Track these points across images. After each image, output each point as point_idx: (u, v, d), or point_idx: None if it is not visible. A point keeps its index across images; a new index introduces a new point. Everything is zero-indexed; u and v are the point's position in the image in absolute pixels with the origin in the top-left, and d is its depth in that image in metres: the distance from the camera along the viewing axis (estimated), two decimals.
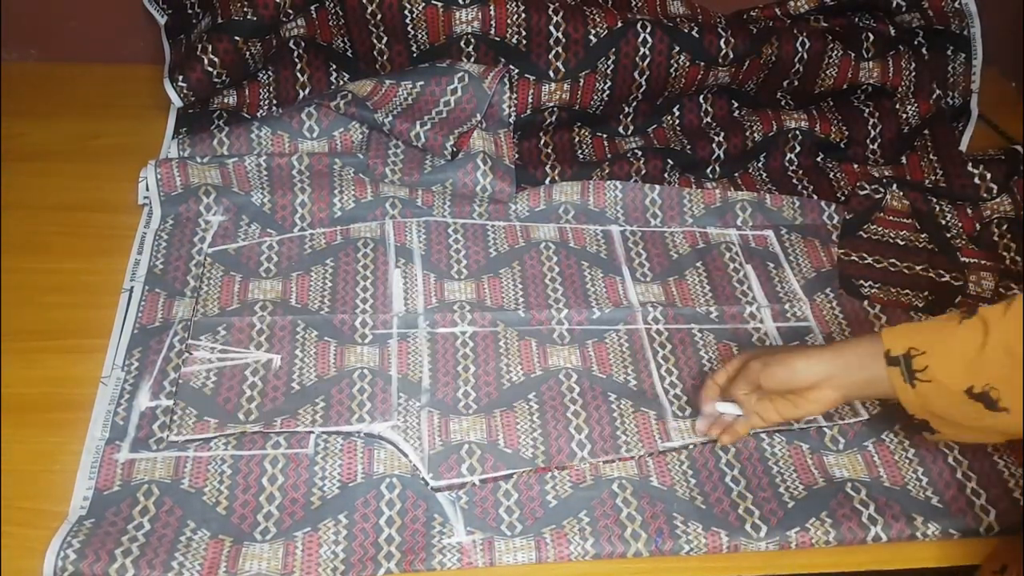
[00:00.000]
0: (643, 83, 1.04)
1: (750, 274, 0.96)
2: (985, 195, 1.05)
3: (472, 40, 1.00)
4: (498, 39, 1.00)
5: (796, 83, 1.10)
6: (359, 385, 0.80)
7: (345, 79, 1.06)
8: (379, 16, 0.98)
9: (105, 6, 1.10)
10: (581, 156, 1.08)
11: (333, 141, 0.99)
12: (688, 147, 1.06)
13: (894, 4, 1.12)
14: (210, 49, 0.94)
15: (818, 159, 1.12)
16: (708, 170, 1.07)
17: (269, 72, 1.06)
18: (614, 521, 0.72)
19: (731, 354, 0.87)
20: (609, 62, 1.01)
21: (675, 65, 1.02)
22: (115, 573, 0.66)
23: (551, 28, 0.99)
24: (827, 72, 1.10)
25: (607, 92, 1.04)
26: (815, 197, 1.05)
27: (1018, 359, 0.61)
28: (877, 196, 1.03)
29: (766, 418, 0.73)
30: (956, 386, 0.64)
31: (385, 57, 1.03)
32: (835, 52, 1.09)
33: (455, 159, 0.97)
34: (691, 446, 0.78)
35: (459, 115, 0.99)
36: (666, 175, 1.03)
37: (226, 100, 1.04)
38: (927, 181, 1.09)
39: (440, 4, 0.97)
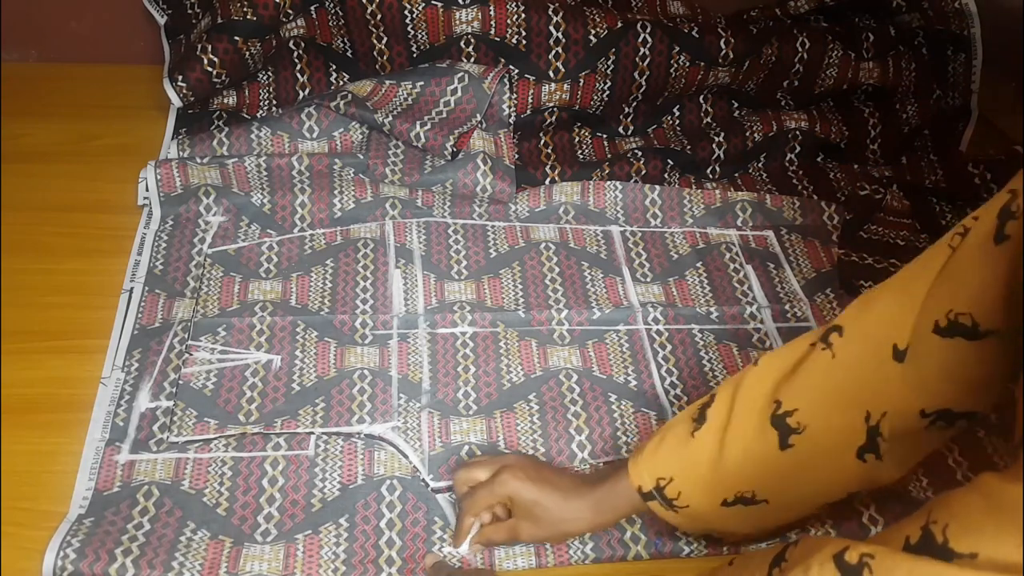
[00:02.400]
0: (643, 83, 1.04)
1: (750, 274, 0.96)
2: (985, 195, 1.05)
3: (472, 40, 1.00)
4: (498, 39, 1.00)
5: (796, 83, 1.10)
6: (359, 386, 0.80)
7: (345, 79, 1.06)
8: (379, 16, 0.98)
9: (105, 6, 1.10)
10: (581, 156, 1.08)
11: (333, 141, 0.99)
12: (688, 147, 1.06)
13: (894, 4, 1.12)
14: (210, 49, 0.94)
15: (818, 159, 1.12)
16: (708, 170, 1.07)
17: (269, 72, 1.06)
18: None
19: (732, 355, 0.87)
20: (609, 62, 1.01)
21: (675, 65, 1.02)
22: (115, 573, 0.66)
23: (551, 28, 0.99)
24: (827, 72, 1.10)
25: (607, 92, 1.04)
26: (815, 197, 1.05)
27: (757, 459, 0.61)
28: (877, 196, 1.03)
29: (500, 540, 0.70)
30: (711, 504, 0.64)
31: (385, 57, 1.03)
32: (835, 52, 1.09)
33: (455, 159, 0.97)
34: None
35: (459, 115, 0.99)
36: (666, 175, 1.03)
37: (226, 100, 1.04)
38: (927, 181, 1.10)
39: (440, 4, 0.97)
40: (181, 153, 0.99)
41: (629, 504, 0.67)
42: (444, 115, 0.99)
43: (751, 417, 0.62)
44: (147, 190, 0.94)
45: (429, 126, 0.97)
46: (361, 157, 0.98)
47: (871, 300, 0.62)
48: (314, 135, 0.99)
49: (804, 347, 0.62)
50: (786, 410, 0.60)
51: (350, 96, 0.98)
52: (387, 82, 1.00)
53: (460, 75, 0.99)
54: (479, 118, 0.99)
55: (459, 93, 0.99)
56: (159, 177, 0.94)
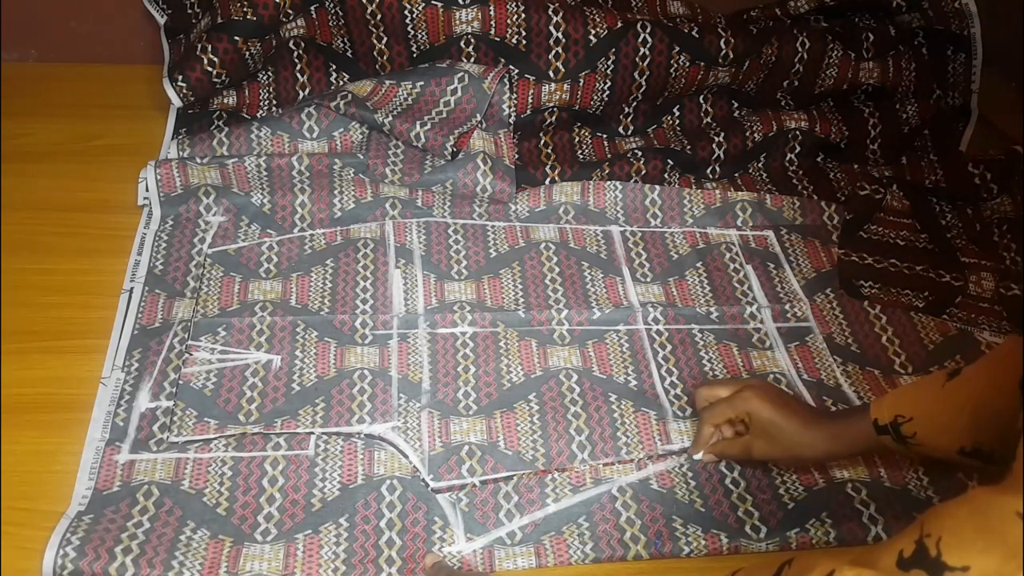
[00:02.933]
0: (643, 83, 1.04)
1: (750, 274, 0.96)
2: (985, 195, 1.05)
3: (472, 40, 1.00)
4: (498, 39, 1.00)
5: (796, 83, 1.10)
6: (359, 386, 0.80)
7: (345, 79, 1.06)
8: (379, 16, 0.98)
9: (105, 6, 1.10)
10: (581, 156, 1.08)
11: (333, 141, 0.99)
12: (688, 147, 1.06)
13: (894, 4, 1.12)
14: (210, 49, 0.94)
15: (818, 159, 1.12)
16: (708, 170, 1.07)
17: (269, 72, 1.06)
18: (613, 525, 0.72)
19: (732, 355, 0.87)
20: (609, 62, 1.01)
21: (675, 65, 1.02)
22: (115, 572, 0.66)
23: (551, 28, 0.99)
24: (827, 72, 1.10)
25: (607, 92, 1.04)
26: (815, 197, 1.05)
27: (1006, 414, 0.60)
28: (877, 196, 1.03)
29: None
30: (946, 449, 0.66)
31: (385, 57, 1.03)
32: (835, 52, 1.09)
33: (455, 159, 0.97)
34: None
35: (459, 115, 0.99)
36: (666, 175, 1.03)
37: (226, 100, 1.04)
38: (927, 181, 1.10)
39: (440, 4, 0.97)
40: (181, 153, 0.99)
41: (864, 438, 0.70)
42: (444, 115, 0.99)
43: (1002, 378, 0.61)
44: (147, 190, 0.94)
45: (429, 126, 0.97)
46: (361, 157, 0.97)
47: None
48: (314, 135, 0.99)
49: None
50: None
51: (350, 96, 0.98)
52: (387, 82, 1.00)
53: (460, 75, 0.99)
54: (479, 118, 0.99)
55: (459, 93, 0.99)
56: (159, 177, 0.94)
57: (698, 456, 0.77)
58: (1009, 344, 0.64)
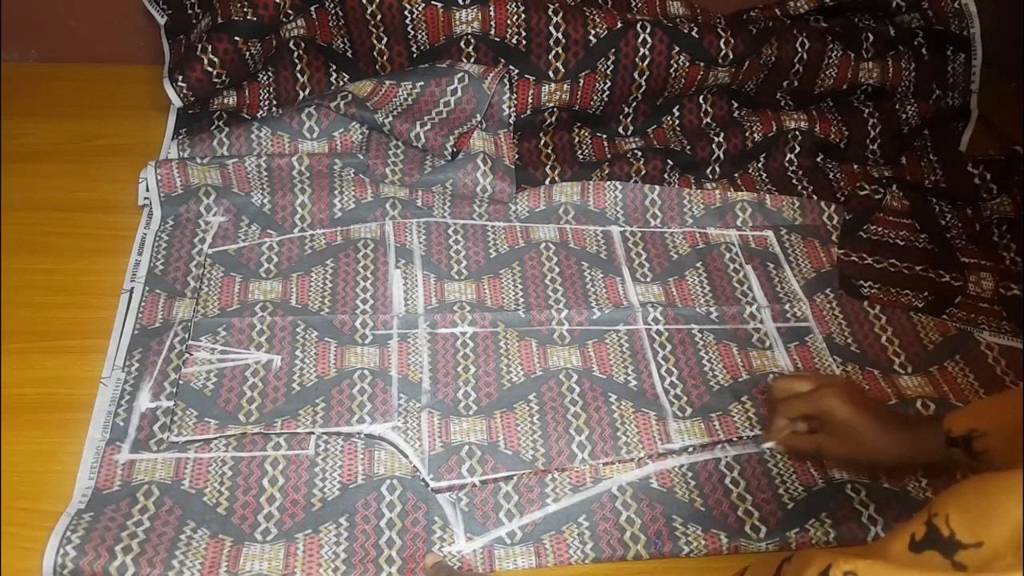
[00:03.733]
0: (643, 83, 1.04)
1: (750, 274, 0.96)
2: (985, 195, 1.05)
3: (472, 40, 1.00)
4: (498, 39, 1.00)
5: (796, 83, 1.10)
6: (359, 386, 0.80)
7: (345, 79, 1.06)
8: (379, 16, 0.98)
9: (105, 6, 1.10)
10: (581, 156, 1.08)
11: (333, 142, 0.99)
12: (688, 147, 1.06)
13: (894, 4, 1.12)
14: (210, 49, 0.94)
15: (818, 159, 1.12)
16: (708, 170, 1.07)
17: (269, 72, 1.06)
18: (613, 524, 0.72)
19: (731, 355, 0.87)
20: (609, 62, 1.01)
21: (675, 66, 1.02)
22: (115, 571, 0.66)
23: (551, 29, 0.99)
24: (827, 72, 1.10)
25: (607, 92, 1.04)
26: (815, 197, 1.05)
27: None
28: (877, 196, 1.03)
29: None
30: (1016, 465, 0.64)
31: (385, 57, 1.03)
32: (835, 52, 1.09)
33: (455, 159, 0.97)
34: (690, 448, 0.78)
35: (459, 115, 0.99)
36: (666, 175, 1.03)
37: (226, 101, 1.04)
38: (927, 181, 1.10)
39: (440, 4, 0.97)
40: (181, 153, 0.99)
41: (936, 448, 0.69)
42: (444, 115, 0.99)
43: None
44: (147, 190, 0.94)
45: (429, 126, 0.97)
46: (361, 157, 0.98)
47: None
48: (314, 135, 0.99)
49: None
50: None
51: (350, 96, 0.98)
52: (387, 82, 1.00)
53: (460, 75, 0.99)
54: (479, 118, 0.99)
55: (459, 93, 0.99)
56: (159, 177, 0.94)
57: (768, 445, 0.77)
58: None
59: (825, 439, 0.73)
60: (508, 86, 1.02)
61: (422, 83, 1.00)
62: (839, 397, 0.72)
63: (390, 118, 0.98)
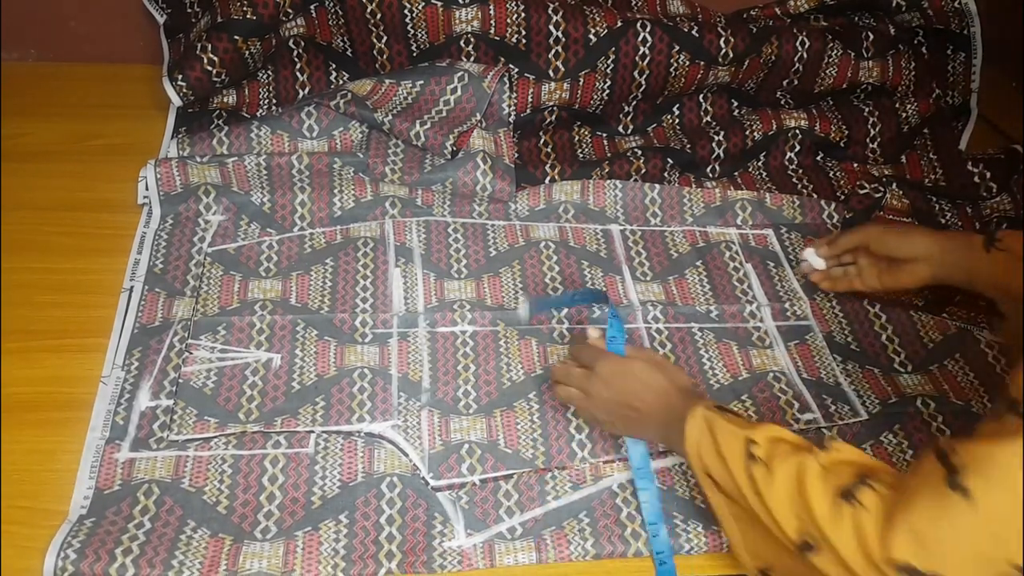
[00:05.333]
0: (643, 82, 1.04)
1: (750, 273, 0.96)
2: (985, 194, 1.05)
3: (472, 39, 1.00)
4: (498, 38, 1.00)
5: (796, 82, 1.10)
6: (359, 384, 0.80)
7: (345, 78, 1.06)
8: (379, 15, 0.98)
9: (104, 5, 1.09)
10: (581, 155, 1.08)
11: (333, 140, 0.99)
12: (688, 146, 1.06)
13: (894, 4, 1.12)
14: (209, 48, 0.94)
15: (818, 158, 1.12)
16: (708, 169, 1.07)
17: (269, 71, 1.05)
18: (614, 521, 0.72)
19: (731, 353, 0.87)
20: (609, 61, 1.01)
21: (675, 64, 1.02)
22: (115, 572, 0.66)
23: (551, 27, 0.99)
24: (827, 71, 1.10)
25: (607, 91, 1.04)
26: (815, 196, 1.05)
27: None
28: (877, 195, 1.03)
29: (866, 281, 0.86)
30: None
31: (385, 56, 1.03)
32: (835, 51, 1.09)
33: (455, 158, 0.97)
34: None
35: (459, 114, 0.99)
36: (666, 174, 1.03)
37: (226, 100, 1.04)
38: (927, 180, 1.10)
39: (440, 3, 0.97)
40: (181, 152, 0.99)
41: (967, 250, 0.79)
42: (444, 114, 0.99)
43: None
44: (147, 189, 0.94)
45: (429, 125, 0.97)
46: (361, 156, 0.97)
47: None
48: (314, 134, 0.99)
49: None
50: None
51: (350, 95, 0.98)
52: (387, 81, 1.00)
53: (460, 74, 0.99)
54: (479, 117, 0.99)
55: (459, 92, 0.99)
56: (159, 176, 0.94)
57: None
58: None
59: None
60: (508, 85, 1.02)
61: (422, 82, 1.00)
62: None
63: (390, 117, 0.98)
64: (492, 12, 0.98)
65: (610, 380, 0.72)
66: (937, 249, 0.81)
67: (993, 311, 0.83)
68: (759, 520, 0.60)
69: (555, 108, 1.05)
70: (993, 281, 0.77)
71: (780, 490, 0.57)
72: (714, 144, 1.06)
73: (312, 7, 1.01)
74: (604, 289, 0.92)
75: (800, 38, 1.07)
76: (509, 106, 1.02)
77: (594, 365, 0.72)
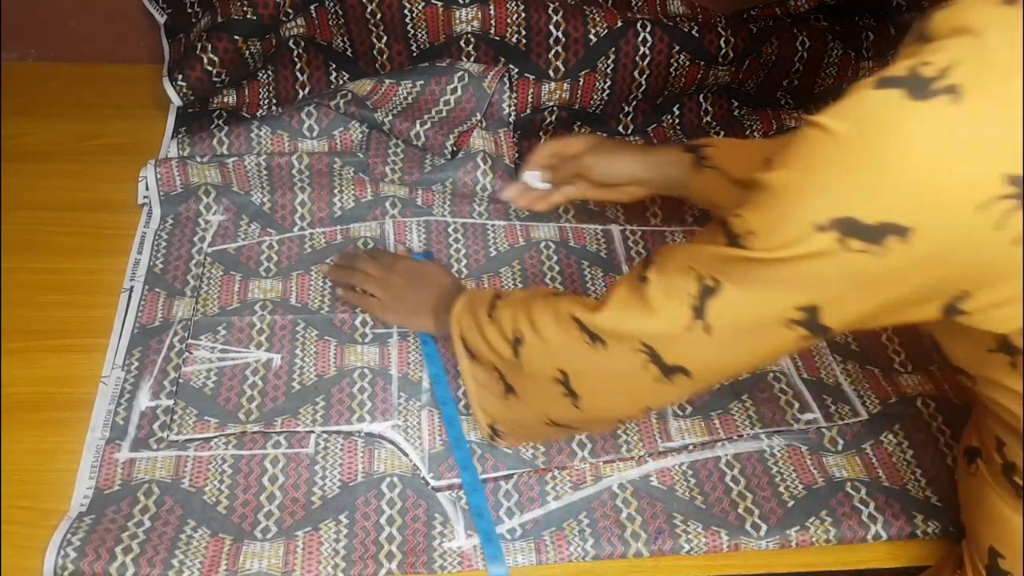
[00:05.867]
0: (643, 82, 1.04)
1: None
2: None
3: (472, 39, 1.00)
4: (498, 39, 1.00)
5: (796, 82, 1.10)
6: (359, 384, 0.80)
7: (345, 79, 1.06)
8: (379, 16, 0.98)
9: (105, 5, 1.09)
10: None
11: (333, 140, 0.99)
12: None
13: (894, 3, 1.12)
14: (209, 48, 0.94)
15: None
16: None
17: (269, 71, 1.05)
18: (614, 521, 0.72)
19: None
20: (609, 61, 1.01)
21: (675, 64, 1.02)
22: (115, 572, 0.66)
23: (551, 28, 0.99)
24: (827, 71, 1.10)
25: (607, 91, 1.04)
26: None
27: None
28: None
29: (578, 195, 0.87)
30: (735, 174, 0.75)
31: (385, 56, 1.03)
32: (835, 52, 1.09)
33: (455, 158, 0.97)
34: (690, 446, 0.78)
35: (459, 114, 0.99)
36: None
37: (226, 100, 1.04)
38: None
39: (440, 3, 0.97)
40: (181, 152, 0.99)
41: (676, 163, 0.82)
42: (444, 114, 0.99)
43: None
44: (147, 189, 0.94)
45: (429, 125, 0.97)
46: (361, 156, 0.97)
47: None
48: (314, 134, 0.99)
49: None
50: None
51: (350, 95, 0.98)
52: (387, 81, 1.00)
53: (460, 74, 0.99)
54: (479, 117, 0.99)
55: (459, 92, 0.99)
56: (159, 176, 0.94)
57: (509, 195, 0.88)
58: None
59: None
60: (508, 85, 1.02)
61: (422, 82, 1.00)
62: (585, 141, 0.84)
63: (390, 116, 0.98)
64: (492, 12, 0.98)
65: (407, 274, 0.84)
66: (644, 170, 0.82)
67: None
68: (493, 382, 0.70)
69: (555, 108, 1.05)
70: (705, 197, 0.81)
71: (508, 308, 0.67)
72: None
73: (312, 7, 1.01)
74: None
75: (800, 38, 1.07)
76: (509, 106, 1.02)
77: (394, 265, 0.84)
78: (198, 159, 0.95)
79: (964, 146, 0.39)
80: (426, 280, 0.84)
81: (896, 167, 0.40)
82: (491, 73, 1.00)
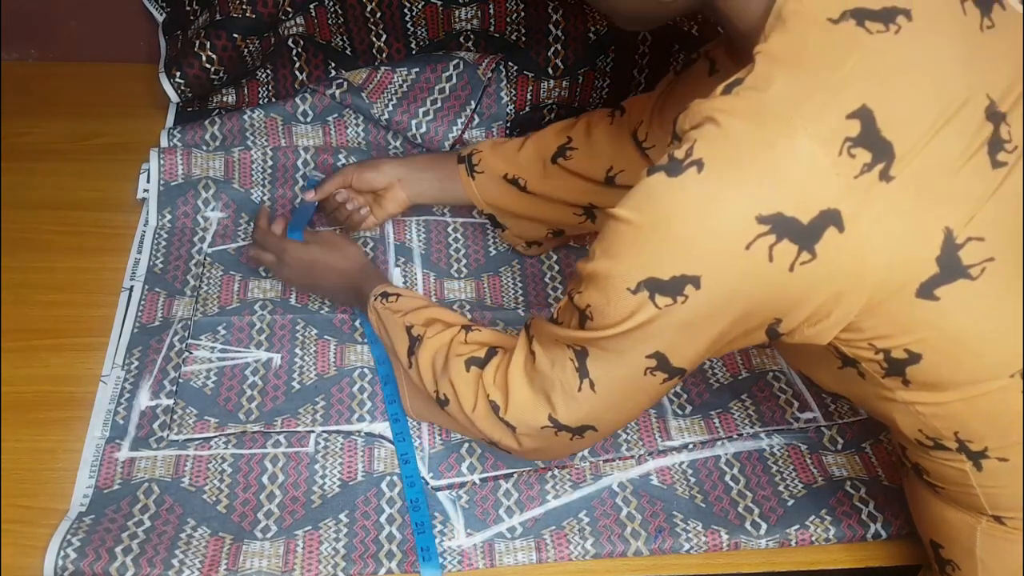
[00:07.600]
0: (642, 81, 1.04)
1: None
2: None
3: (471, 37, 1.00)
4: (497, 36, 1.00)
5: None
6: (359, 384, 0.80)
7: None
8: (378, 14, 0.98)
9: (105, 6, 1.09)
10: None
11: (327, 126, 0.99)
12: None
13: None
14: (208, 46, 0.94)
15: None
16: None
17: (267, 70, 1.05)
18: (614, 520, 0.72)
19: (731, 352, 0.86)
20: (608, 60, 1.01)
21: (675, 64, 1.02)
22: (115, 571, 0.66)
23: (550, 26, 0.99)
24: None
25: (606, 90, 1.04)
26: None
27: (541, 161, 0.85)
28: None
29: (365, 222, 0.91)
30: (498, 171, 0.87)
31: (384, 55, 1.03)
32: None
33: None
34: (690, 445, 0.78)
35: (455, 102, 0.99)
36: None
37: (225, 99, 1.04)
38: None
39: (439, 2, 0.97)
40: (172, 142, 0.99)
41: (440, 164, 0.90)
42: (439, 102, 0.99)
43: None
44: (147, 181, 0.94)
45: (428, 118, 0.97)
46: (364, 149, 0.97)
47: None
48: (308, 119, 0.98)
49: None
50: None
51: (346, 84, 0.98)
52: (382, 68, 1.00)
53: (455, 61, 0.99)
54: (475, 104, 0.99)
55: (454, 80, 0.99)
56: (162, 163, 0.93)
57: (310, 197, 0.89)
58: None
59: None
60: (504, 74, 1.01)
61: (417, 69, 0.99)
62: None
63: (389, 108, 0.97)
64: (491, 10, 0.98)
65: (295, 267, 0.83)
66: (406, 172, 0.89)
67: None
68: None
69: (554, 106, 1.05)
70: (490, 201, 0.88)
71: (427, 358, 0.70)
72: None
73: (311, 6, 1.01)
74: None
75: None
76: (508, 99, 1.02)
77: (281, 255, 0.83)
78: (203, 148, 0.94)
79: (714, 201, 0.48)
80: (316, 271, 0.84)
81: (673, 230, 0.49)
82: (486, 60, 1.00)
